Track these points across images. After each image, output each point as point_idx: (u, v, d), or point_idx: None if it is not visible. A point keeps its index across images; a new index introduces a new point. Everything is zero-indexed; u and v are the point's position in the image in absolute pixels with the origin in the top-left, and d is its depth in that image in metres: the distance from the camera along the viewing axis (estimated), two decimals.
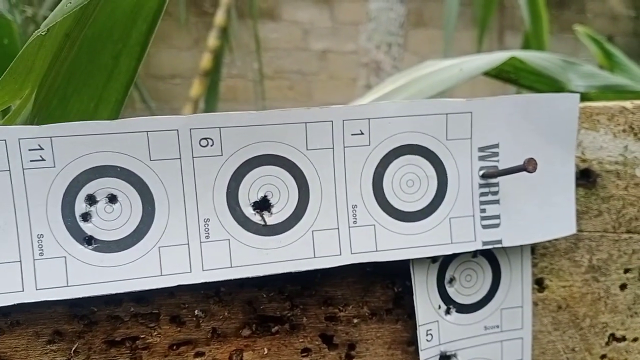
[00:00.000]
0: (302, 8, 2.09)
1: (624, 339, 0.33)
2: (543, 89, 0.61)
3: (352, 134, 0.27)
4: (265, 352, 0.27)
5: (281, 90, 2.09)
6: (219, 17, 1.52)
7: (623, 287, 0.33)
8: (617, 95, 0.63)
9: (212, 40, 1.50)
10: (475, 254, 0.30)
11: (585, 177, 0.32)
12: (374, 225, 0.27)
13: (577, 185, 0.31)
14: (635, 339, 0.34)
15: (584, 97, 0.63)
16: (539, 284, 0.32)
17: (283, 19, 2.07)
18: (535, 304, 0.31)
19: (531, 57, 0.56)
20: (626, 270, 0.33)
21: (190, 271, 0.25)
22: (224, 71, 1.75)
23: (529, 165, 0.26)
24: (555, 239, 0.31)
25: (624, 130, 0.32)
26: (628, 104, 0.33)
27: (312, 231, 0.26)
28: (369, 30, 1.43)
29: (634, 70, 0.83)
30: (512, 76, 0.60)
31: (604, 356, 0.33)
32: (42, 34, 0.25)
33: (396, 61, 1.44)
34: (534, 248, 0.31)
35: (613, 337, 0.33)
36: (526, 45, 1.20)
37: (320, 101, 2.07)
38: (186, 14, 1.88)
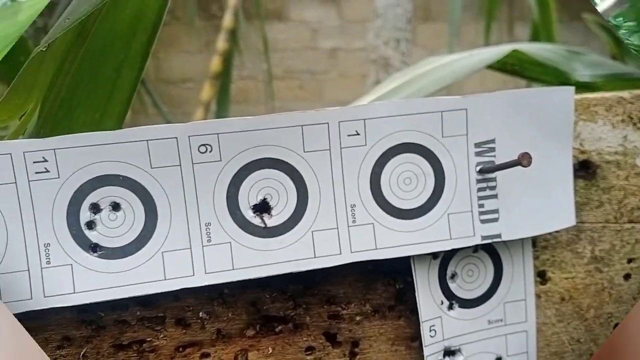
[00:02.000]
0: (309, 7, 2.10)
1: None
2: (548, 80, 0.61)
3: (348, 135, 0.27)
4: (270, 351, 0.28)
5: (292, 90, 2.09)
6: (227, 20, 1.53)
7: (627, 277, 0.33)
8: (625, 83, 0.62)
9: (221, 43, 1.51)
10: (476, 248, 0.30)
11: (585, 169, 0.32)
12: (373, 223, 0.28)
13: (577, 177, 0.32)
14: None
15: (591, 87, 0.62)
16: (542, 277, 0.32)
17: (291, 19, 2.08)
18: (538, 296, 0.32)
19: (534, 49, 0.56)
20: (629, 260, 0.33)
21: (193, 275, 0.25)
22: (235, 73, 1.76)
23: (524, 160, 0.27)
24: (556, 231, 0.31)
25: (622, 120, 0.32)
26: (626, 93, 0.33)
27: (312, 231, 0.27)
28: (376, 27, 1.43)
29: None
30: (517, 68, 0.60)
31: None
32: (43, 49, 0.26)
33: (405, 56, 1.44)
34: (535, 241, 0.31)
35: None
36: (535, 36, 1.19)
37: (331, 99, 2.07)
38: (195, 18, 1.89)
